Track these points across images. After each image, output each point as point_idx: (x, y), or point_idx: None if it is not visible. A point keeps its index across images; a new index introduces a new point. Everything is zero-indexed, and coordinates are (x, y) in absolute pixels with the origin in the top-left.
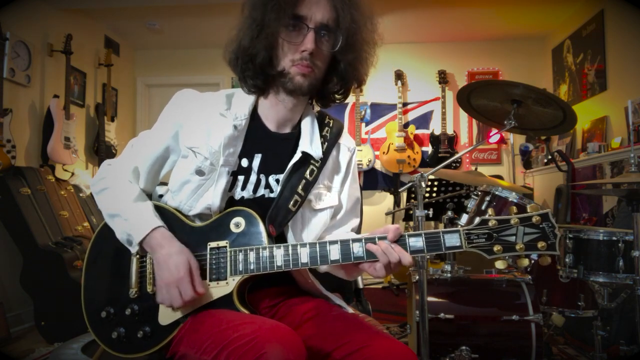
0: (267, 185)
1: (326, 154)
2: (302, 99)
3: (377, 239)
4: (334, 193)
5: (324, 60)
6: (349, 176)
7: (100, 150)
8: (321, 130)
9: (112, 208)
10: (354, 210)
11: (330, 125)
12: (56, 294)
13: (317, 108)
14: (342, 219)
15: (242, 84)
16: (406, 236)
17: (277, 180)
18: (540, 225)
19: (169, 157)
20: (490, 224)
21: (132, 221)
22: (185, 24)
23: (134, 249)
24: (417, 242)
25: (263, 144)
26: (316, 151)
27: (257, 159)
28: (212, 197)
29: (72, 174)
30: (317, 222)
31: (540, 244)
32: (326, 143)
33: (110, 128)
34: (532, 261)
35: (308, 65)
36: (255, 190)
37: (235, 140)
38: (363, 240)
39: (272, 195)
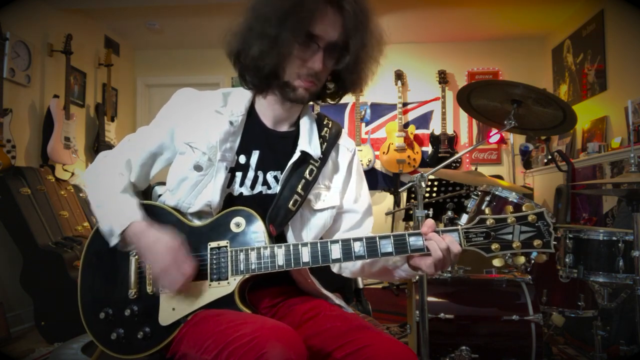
0: (265, 182)
1: (325, 154)
2: None
3: (407, 235)
4: (334, 193)
5: (326, 73)
6: (352, 177)
7: (100, 150)
8: (320, 130)
9: (98, 198)
10: (369, 210)
11: (330, 126)
12: (56, 294)
13: (317, 109)
14: (359, 220)
15: (242, 81)
16: (406, 235)
17: (275, 177)
18: (536, 224)
19: (162, 154)
20: (488, 222)
21: (114, 212)
22: (185, 24)
23: (113, 241)
24: (417, 241)
25: (260, 140)
26: (315, 151)
27: (255, 155)
28: (211, 193)
29: (72, 174)
30: (317, 222)
31: (536, 242)
32: (325, 143)
33: (110, 128)
34: (532, 261)
35: (312, 80)
36: (252, 186)
37: (231, 136)
38: (364, 240)
39: (270, 192)
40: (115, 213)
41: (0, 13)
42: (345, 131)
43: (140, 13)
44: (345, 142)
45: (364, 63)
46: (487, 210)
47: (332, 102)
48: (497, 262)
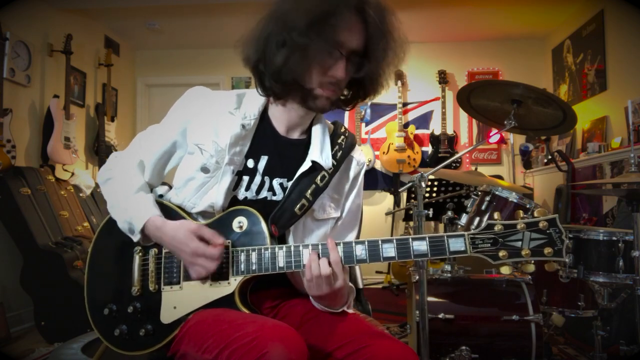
0: (271, 188)
1: (339, 162)
2: None
3: (410, 240)
4: (337, 205)
5: (346, 81)
6: (355, 189)
7: (100, 150)
8: (336, 138)
9: (114, 198)
10: (352, 223)
11: (346, 134)
12: (56, 294)
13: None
14: (339, 232)
15: (259, 88)
16: (410, 240)
17: (281, 185)
18: (547, 231)
19: (175, 151)
20: (496, 228)
21: (132, 211)
22: (185, 24)
23: (136, 238)
24: (420, 246)
25: (270, 146)
26: (326, 161)
27: (263, 160)
28: (215, 196)
29: (72, 174)
30: (319, 232)
31: (547, 250)
32: (340, 152)
33: (110, 128)
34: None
35: (334, 89)
36: (258, 191)
37: (242, 140)
38: (366, 243)
39: (274, 198)
40: (132, 211)
41: (0, 13)
42: (358, 145)
43: (140, 13)
44: (358, 155)
45: (383, 71)
46: (496, 215)
47: (345, 109)
48: (505, 270)
